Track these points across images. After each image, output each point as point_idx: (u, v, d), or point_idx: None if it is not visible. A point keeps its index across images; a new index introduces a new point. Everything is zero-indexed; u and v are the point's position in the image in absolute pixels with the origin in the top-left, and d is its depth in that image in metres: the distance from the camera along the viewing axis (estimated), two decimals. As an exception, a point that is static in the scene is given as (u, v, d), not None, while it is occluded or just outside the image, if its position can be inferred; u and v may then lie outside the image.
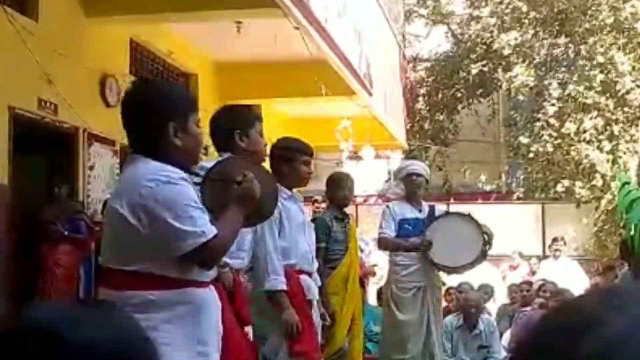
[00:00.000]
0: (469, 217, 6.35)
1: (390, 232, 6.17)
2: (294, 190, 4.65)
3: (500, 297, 9.80)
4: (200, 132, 2.86)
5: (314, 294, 4.59)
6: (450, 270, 6.39)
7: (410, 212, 6.26)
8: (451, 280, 8.91)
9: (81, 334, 0.95)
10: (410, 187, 6.36)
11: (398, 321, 6.15)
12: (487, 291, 8.81)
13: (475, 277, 9.40)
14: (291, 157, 4.54)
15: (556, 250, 10.61)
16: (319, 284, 4.79)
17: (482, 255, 6.21)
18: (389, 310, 6.25)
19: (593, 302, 0.74)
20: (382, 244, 6.28)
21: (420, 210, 6.30)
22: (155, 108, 2.75)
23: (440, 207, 6.70)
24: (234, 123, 3.75)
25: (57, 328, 0.94)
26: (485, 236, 6.10)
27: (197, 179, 2.94)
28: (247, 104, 9.94)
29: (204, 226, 2.63)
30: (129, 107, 2.82)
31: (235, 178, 2.92)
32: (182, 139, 2.74)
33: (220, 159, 3.27)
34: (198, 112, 2.89)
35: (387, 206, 6.54)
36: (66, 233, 6.62)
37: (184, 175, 2.70)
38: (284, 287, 4.21)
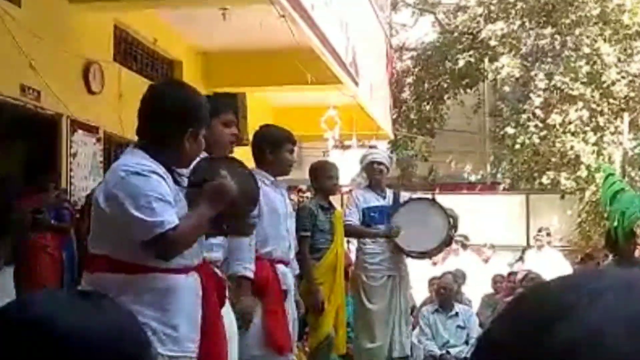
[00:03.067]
0: (433, 202, 6.42)
1: (355, 220, 6.18)
2: (279, 178, 4.62)
3: (482, 285, 9.84)
4: (203, 142, 2.93)
5: (289, 284, 4.56)
6: (419, 255, 6.41)
7: (374, 200, 6.29)
8: (436, 271, 8.94)
9: (76, 323, 0.95)
10: (372, 175, 6.41)
11: (367, 310, 6.18)
12: (459, 276, 8.83)
13: (456, 264, 9.44)
14: (274, 146, 4.51)
15: (540, 240, 10.64)
16: (297, 272, 4.77)
17: (449, 239, 6.29)
18: (359, 299, 6.26)
19: (563, 288, 0.68)
20: (347, 231, 6.24)
21: (384, 198, 6.32)
22: (184, 110, 2.84)
23: (404, 194, 6.71)
24: None
25: (52, 318, 0.95)
26: (451, 219, 6.15)
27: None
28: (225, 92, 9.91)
29: (162, 217, 2.68)
30: (156, 102, 2.88)
31: (206, 176, 2.92)
32: (191, 145, 2.85)
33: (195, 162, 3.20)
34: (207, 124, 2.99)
35: (352, 194, 6.57)
36: (53, 222, 6.59)
37: (159, 170, 2.76)
38: (248, 274, 4.13)
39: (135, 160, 2.76)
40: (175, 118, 2.83)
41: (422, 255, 6.43)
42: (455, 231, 6.27)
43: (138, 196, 2.68)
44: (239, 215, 3.23)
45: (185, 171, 3.00)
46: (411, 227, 6.05)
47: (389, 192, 6.41)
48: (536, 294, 0.71)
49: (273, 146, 4.51)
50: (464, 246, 10.54)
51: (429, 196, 6.60)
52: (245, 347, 4.23)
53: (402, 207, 6.21)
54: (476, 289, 9.30)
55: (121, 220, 2.70)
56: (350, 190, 7.77)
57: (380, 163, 6.38)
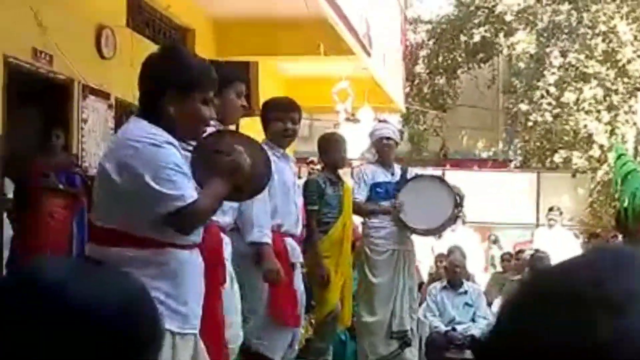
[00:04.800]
0: (440, 179, 6.41)
1: (362, 197, 6.16)
2: (287, 150, 4.63)
3: (481, 263, 9.87)
4: (205, 111, 2.83)
5: (297, 257, 4.58)
6: (423, 232, 6.41)
7: (382, 176, 6.26)
8: (442, 247, 8.92)
9: (86, 290, 0.95)
10: (381, 150, 6.37)
11: (370, 283, 6.19)
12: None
13: (459, 242, 9.38)
14: (280, 117, 4.50)
15: (551, 219, 10.60)
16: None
17: (454, 217, 6.28)
18: (363, 273, 6.26)
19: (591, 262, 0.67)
20: (353, 209, 6.24)
21: (392, 174, 6.29)
22: (159, 72, 2.80)
23: (413, 170, 6.70)
24: None
25: (62, 284, 0.95)
26: (457, 197, 6.13)
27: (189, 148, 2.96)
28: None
29: (183, 190, 2.64)
30: (142, 67, 2.87)
31: (224, 150, 2.90)
32: (178, 111, 2.75)
33: (211, 131, 3.21)
34: (211, 92, 2.87)
35: (360, 170, 6.54)
36: (61, 186, 6.56)
37: (172, 140, 2.71)
38: (268, 241, 4.20)
39: (146, 129, 2.70)
40: (151, 80, 2.80)
41: (427, 232, 6.42)
42: (461, 209, 6.26)
43: (157, 168, 2.62)
44: (254, 190, 3.24)
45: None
46: (417, 204, 6.03)
47: (397, 168, 6.37)
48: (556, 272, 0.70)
49: (277, 117, 4.56)
50: (463, 222, 10.47)
51: (436, 173, 6.56)
52: (254, 320, 4.25)
53: (408, 184, 6.19)
54: (474, 267, 9.29)
55: (139, 193, 2.64)
56: (359, 166, 7.74)
57: (389, 138, 6.34)
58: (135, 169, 2.62)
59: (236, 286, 3.84)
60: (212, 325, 2.96)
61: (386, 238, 6.16)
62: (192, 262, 2.81)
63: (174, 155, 2.69)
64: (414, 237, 6.46)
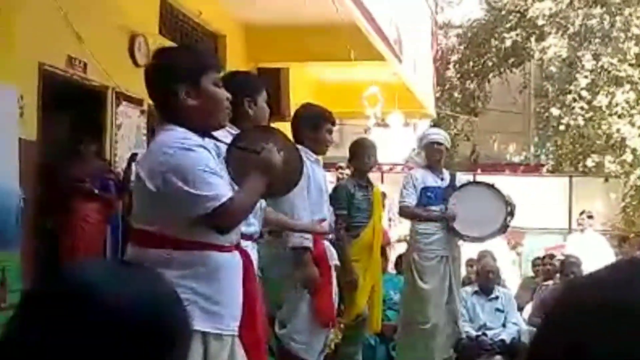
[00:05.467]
0: (493, 187, 6.33)
1: (412, 200, 6.15)
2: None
3: (508, 268, 9.81)
4: (221, 92, 2.86)
5: (335, 259, 4.62)
6: (473, 239, 6.38)
7: (432, 181, 6.24)
8: (471, 252, 8.88)
9: (120, 294, 0.96)
10: (432, 155, 6.35)
11: (420, 289, 6.15)
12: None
13: (489, 246, 9.28)
14: (316, 124, 4.53)
15: (580, 223, 10.51)
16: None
17: (505, 226, 6.21)
18: (412, 279, 6.24)
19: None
20: (403, 213, 6.27)
21: (442, 179, 6.27)
22: (164, 74, 2.83)
23: (463, 177, 6.68)
24: (242, 89, 3.62)
25: (94, 288, 0.96)
26: (509, 207, 6.08)
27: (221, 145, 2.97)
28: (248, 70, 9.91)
29: (217, 190, 2.68)
30: (146, 77, 2.90)
31: (256, 147, 2.93)
32: (197, 100, 2.78)
33: (245, 129, 3.27)
34: (218, 71, 2.91)
35: (409, 174, 6.52)
36: (96, 191, 6.66)
37: (202, 142, 2.76)
38: (309, 245, 4.23)
39: (177, 135, 2.74)
40: (160, 85, 2.82)
41: (477, 239, 6.39)
42: (512, 218, 6.19)
43: (189, 171, 2.66)
44: (286, 187, 3.28)
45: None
46: (468, 211, 5.99)
47: (447, 174, 6.35)
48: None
49: (313, 125, 4.53)
50: None
51: (489, 181, 6.50)
52: (293, 323, 4.28)
53: (459, 190, 6.16)
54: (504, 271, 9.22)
55: (174, 198, 2.68)
56: (407, 170, 7.73)
57: (440, 144, 6.33)
58: (168, 174, 2.67)
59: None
60: (251, 327, 2.96)
61: (435, 244, 6.15)
62: (232, 263, 2.84)
63: (206, 157, 2.73)
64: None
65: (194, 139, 2.73)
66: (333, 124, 4.69)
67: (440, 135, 6.56)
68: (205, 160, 2.71)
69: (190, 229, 2.73)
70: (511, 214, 6.13)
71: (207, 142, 2.82)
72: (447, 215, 6.00)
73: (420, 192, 6.18)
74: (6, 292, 5.65)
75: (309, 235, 4.24)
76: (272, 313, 4.32)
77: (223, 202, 2.67)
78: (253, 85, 3.77)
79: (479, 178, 10.54)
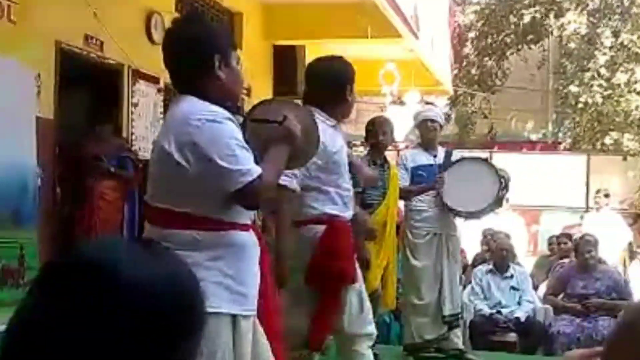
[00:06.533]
0: (485, 162, 6.34)
1: (403, 182, 6.11)
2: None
3: (523, 246, 9.79)
4: (240, 70, 2.87)
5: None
6: (467, 215, 6.35)
7: (424, 159, 6.21)
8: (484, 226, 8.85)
9: (137, 272, 0.96)
10: (425, 133, 6.31)
11: (413, 267, 6.17)
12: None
13: (504, 224, 9.23)
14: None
15: (598, 202, 10.46)
16: None
17: (499, 200, 6.20)
18: (405, 256, 6.25)
19: None
20: (400, 194, 6.18)
21: (435, 156, 6.23)
22: (201, 41, 2.77)
23: (457, 152, 6.65)
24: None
25: (113, 266, 0.96)
26: (502, 180, 6.05)
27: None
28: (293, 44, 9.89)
29: (249, 165, 2.62)
30: (173, 44, 2.83)
31: (276, 118, 2.91)
32: (226, 74, 2.76)
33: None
34: (236, 50, 2.90)
35: (401, 155, 6.51)
36: (112, 169, 6.70)
37: (230, 115, 2.69)
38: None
39: (204, 107, 2.66)
40: (195, 52, 2.74)
41: (471, 215, 6.36)
42: (507, 192, 6.19)
43: (221, 145, 2.59)
44: (304, 157, 3.25)
45: None
46: (461, 186, 5.98)
47: (441, 151, 6.33)
48: None
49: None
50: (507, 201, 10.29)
51: (484, 155, 6.48)
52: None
53: (453, 166, 6.14)
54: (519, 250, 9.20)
55: (205, 171, 2.59)
56: (405, 148, 7.71)
57: (433, 121, 6.29)
58: (199, 147, 2.59)
59: None
60: (267, 307, 2.90)
61: (427, 221, 6.13)
62: (251, 242, 2.78)
63: (235, 130, 2.67)
64: (459, 221, 6.43)
65: (220, 111, 2.67)
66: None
67: (434, 112, 6.54)
68: (234, 134, 2.65)
69: (222, 206, 2.67)
70: (505, 187, 6.12)
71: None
72: (436, 181, 5.92)
73: (412, 172, 6.16)
74: (24, 270, 5.73)
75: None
76: None
77: (254, 177, 2.61)
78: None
79: (496, 156, 10.51)
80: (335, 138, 3.95)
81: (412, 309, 6.23)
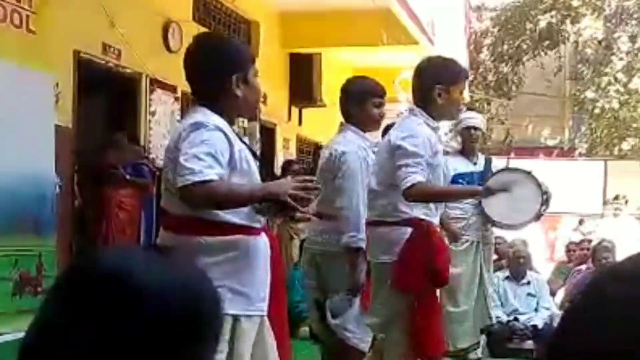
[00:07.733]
0: (530, 175, 6.25)
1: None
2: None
3: (541, 253, 9.74)
4: (259, 83, 2.94)
5: None
6: (505, 227, 6.31)
7: (464, 166, 6.17)
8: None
9: (153, 279, 0.97)
10: (468, 140, 6.27)
11: (450, 274, 6.12)
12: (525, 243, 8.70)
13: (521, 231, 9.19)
14: (361, 99, 4.30)
15: (616, 208, 10.41)
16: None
17: (539, 215, 6.12)
18: None
19: None
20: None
21: (475, 164, 6.21)
22: (220, 60, 2.86)
23: (497, 162, 6.61)
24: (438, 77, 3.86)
25: (127, 273, 0.97)
26: (545, 195, 6.00)
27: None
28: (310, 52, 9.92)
29: (203, 168, 2.62)
30: (194, 59, 2.91)
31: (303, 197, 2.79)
32: (243, 90, 2.85)
33: None
34: (255, 63, 2.97)
35: None
36: (128, 177, 6.74)
37: (223, 127, 2.74)
38: (362, 246, 4.05)
39: (202, 116, 2.76)
40: (214, 70, 2.85)
41: (509, 227, 6.31)
42: (547, 208, 6.09)
43: (191, 146, 2.65)
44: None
45: None
46: (502, 197, 5.91)
47: (481, 158, 6.29)
48: None
49: (359, 100, 4.30)
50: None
51: (526, 168, 6.40)
52: (347, 314, 4.27)
53: (497, 175, 6.09)
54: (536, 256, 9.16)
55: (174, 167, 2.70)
56: (446, 154, 7.62)
57: (476, 129, 6.25)
58: (179, 150, 2.68)
59: None
60: (277, 309, 2.96)
61: (465, 229, 6.11)
62: (260, 245, 2.85)
63: (218, 139, 2.69)
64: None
65: (214, 119, 2.75)
66: (381, 97, 4.40)
67: (477, 119, 6.48)
68: (213, 141, 2.69)
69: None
70: (546, 202, 6.04)
71: (227, 127, 2.80)
72: (483, 189, 5.84)
73: (452, 179, 6.12)
74: (42, 278, 5.77)
75: (359, 233, 4.03)
76: (319, 300, 4.32)
77: (201, 179, 2.60)
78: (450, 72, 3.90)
79: (513, 162, 10.46)
80: (435, 141, 3.98)
81: (447, 316, 6.17)
